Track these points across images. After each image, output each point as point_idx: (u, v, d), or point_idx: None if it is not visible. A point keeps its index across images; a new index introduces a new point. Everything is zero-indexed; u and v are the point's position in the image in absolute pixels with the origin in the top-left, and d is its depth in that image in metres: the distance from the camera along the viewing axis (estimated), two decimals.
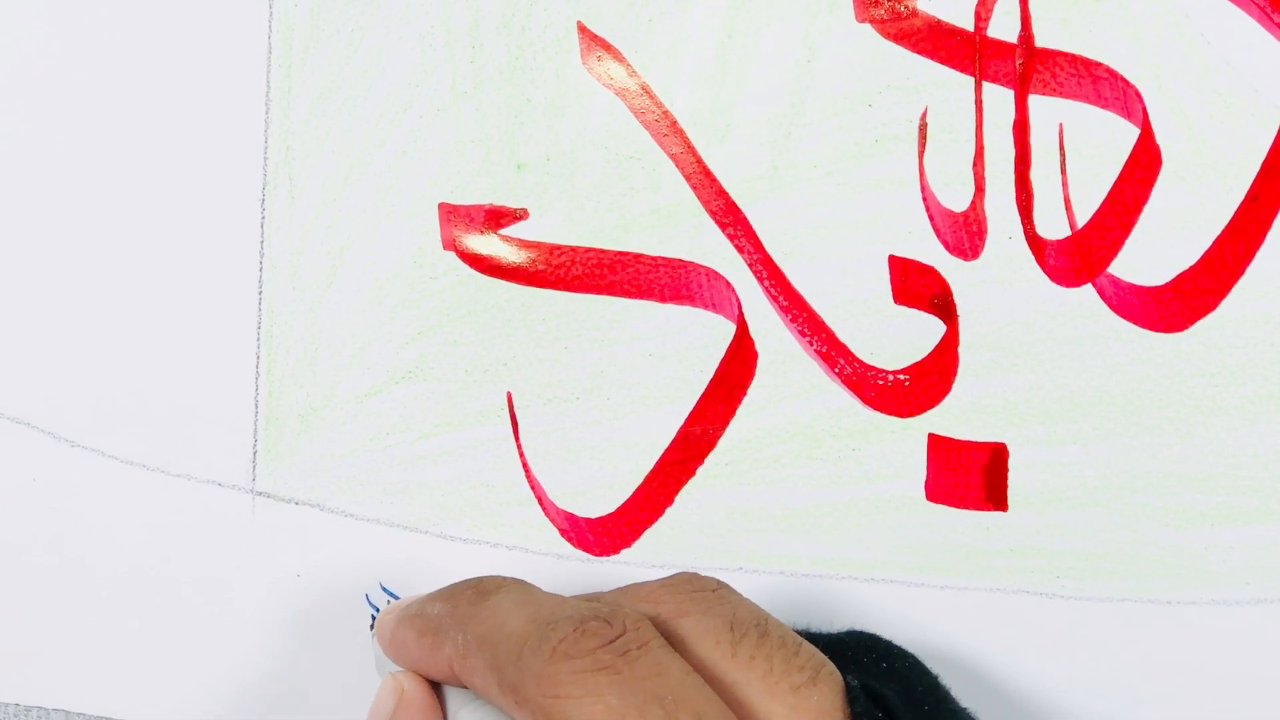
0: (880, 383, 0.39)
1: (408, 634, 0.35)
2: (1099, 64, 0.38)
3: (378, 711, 0.35)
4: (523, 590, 0.34)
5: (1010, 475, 0.39)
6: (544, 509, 0.40)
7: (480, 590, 0.34)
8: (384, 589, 0.40)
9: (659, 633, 0.32)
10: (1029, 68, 0.38)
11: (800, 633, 0.34)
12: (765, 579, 0.40)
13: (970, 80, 0.38)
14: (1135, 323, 0.38)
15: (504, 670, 0.32)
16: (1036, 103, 0.38)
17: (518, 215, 0.39)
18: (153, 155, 0.40)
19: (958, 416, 0.39)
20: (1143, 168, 0.38)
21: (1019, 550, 0.39)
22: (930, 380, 0.39)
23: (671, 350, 0.40)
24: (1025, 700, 0.39)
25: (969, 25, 0.38)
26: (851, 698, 0.32)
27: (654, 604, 0.33)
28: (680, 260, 0.39)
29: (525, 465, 0.40)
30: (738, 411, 0.39)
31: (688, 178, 0.39)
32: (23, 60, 0.40)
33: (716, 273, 0.39)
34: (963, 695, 0.37)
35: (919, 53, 0.38)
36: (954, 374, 0.39)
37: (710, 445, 0.40)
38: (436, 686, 0.35)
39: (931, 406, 0.39)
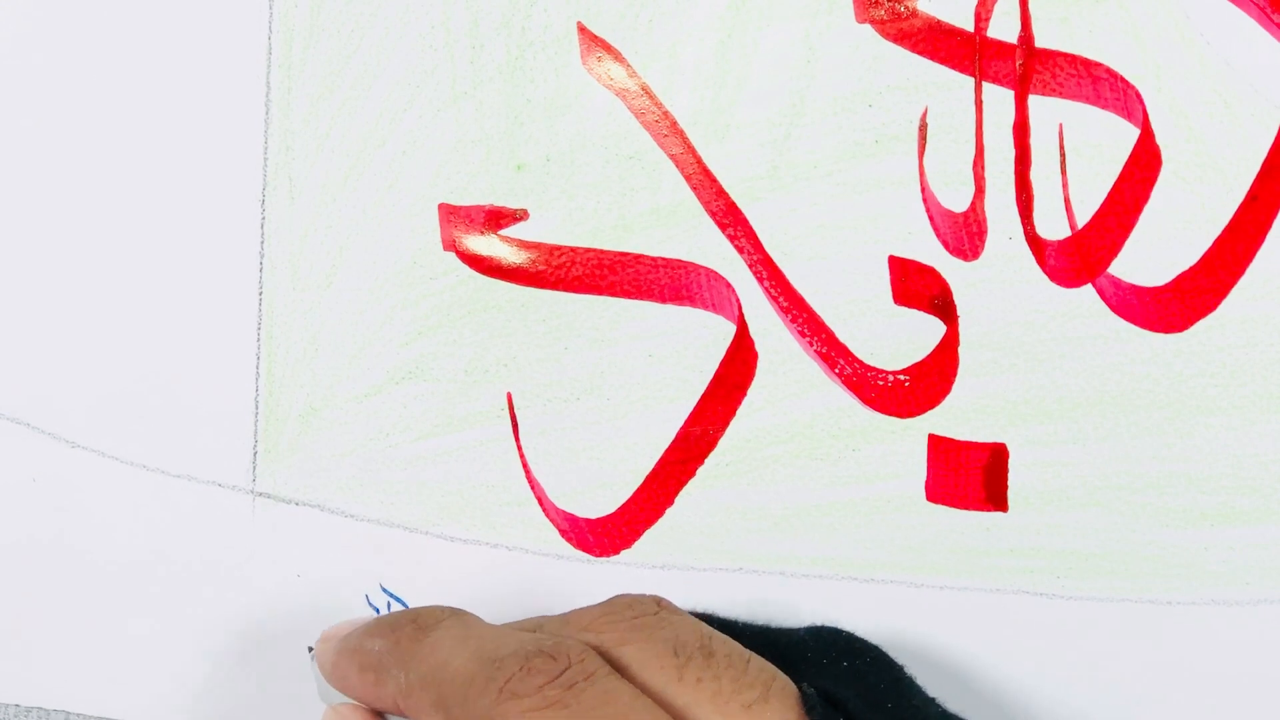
0: (880, 383, 0.39)
1: (349, 668, 0.35)
2: (1099, 64, 0.38)
3: None
4: (463, 624, 0.33)
5: (1010, 475, 0.39)
6: (544, 509, 0.40)
7: (419, 625, 0.34)
8: (384, 590, 0.40)
9: (603, 661, 0.32)
10: (1029, 68, 0.38)
11: (760, 630, 0.33)
12: (765, 579, 0.40)
13: (970, 80, 0.38)
14: (1135, 323, 0.38)
15: (450, 710, 0.31)
16: (1036, 103, 0.38)
17: (518, 216, 0.39)
18: (153, 155, 0.40)
19: (958, 417, 0.39)
20: (1143, 168, 0.38)
21: (1019, 550, 0.39)
22: (930, 380, 0.39)
23: (671, 350, 0.40)
24: (1025, 700, 0.39)
25: (969, 25, 0.38)
26: (808, 706, 0.32)
27: (596, 633, 0.33)
28: (680, 260, 0.39)
29: (525, 465, 0.40)
30: (738, 412, 0.39)
31: (688, 178, 0.39)
32: (23, 60, 0.40)
33: (716, 273, 0.39)
34: (962, 695, 0.37)
35: (919, 53, 0.38)
36: (954, 374, 0.39)
37: (710, 445, 0.40)
38: (380, 715, 0.35)
39: (931, 407, 0.39)
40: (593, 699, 0.30)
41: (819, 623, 0.39)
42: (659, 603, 0.34)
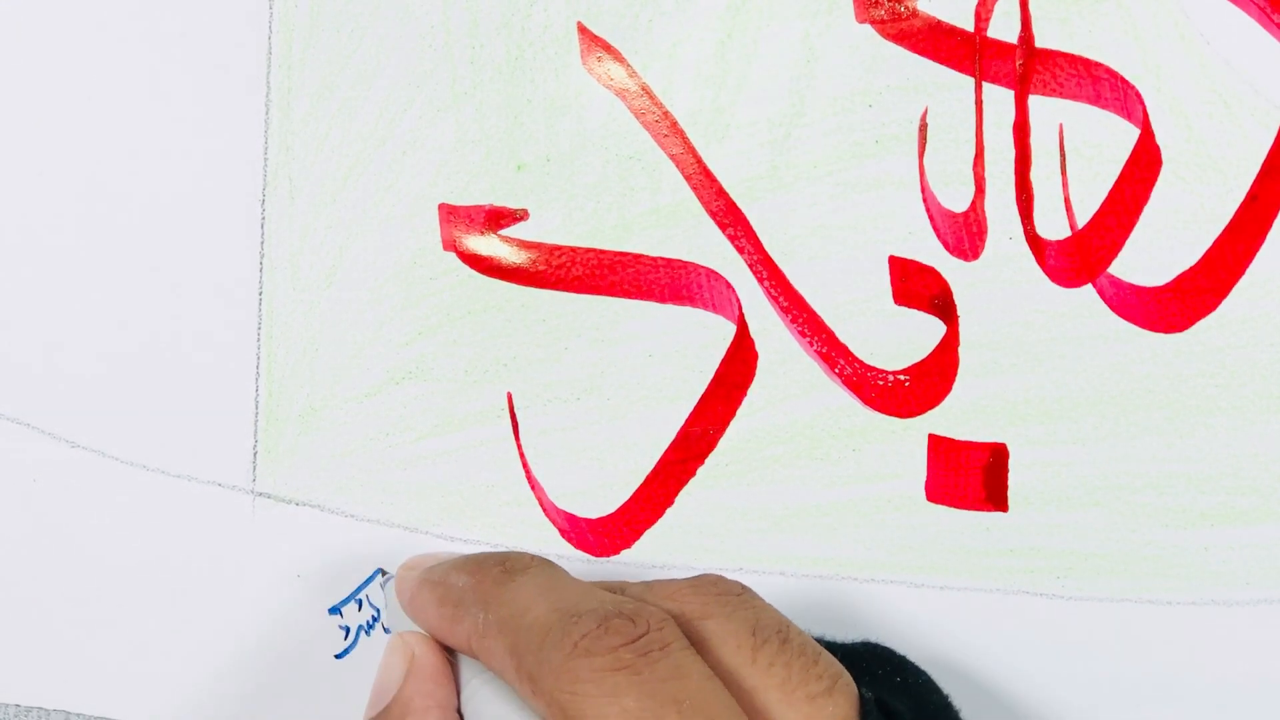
0: (880, 383, 0.39)
1: (428, 599, 0.35)
2: (1099, 64, 0.38)
3: (386, 676, 0.35)
4: (549, 574, 0.33)
5: (1010, 475, 0.39)
6: (544, 509, 0.40)
7: (506, 568, 0.34)
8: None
9: (681, 633, 0.32)
10: (1029, 68, 0.38)
11: (814, 638, 0.33)
12: (765, 579, 0.40)
13: (970, 80, 0.38)
14: (1135, 323, 0.38)
15: (523, 657, 0.31)
16: (1036, 103, 0.38)
17: (518, 216, 0.39)
18: (153, 155, 0.40)
19: (958, 416, 0.39)
20: (1143, 168, 0.38)
21: (1019, 550, 0.39)
22: (930, 380, 0.39)
23: (671, 350, 0.40)
24: (1025, 700, 0.39)
25: (969, 26, 0.38)
26: (865, 710, 0.32)
27: (679, 603, 0.33)
28: (680, 260, 0.39)
29: (525, 465, 0.40)
30: (738, 411, 0.39)
31: (688, 178, 0.39)
32: (23, 60, 0.40)
33: (716, 273, 0.39)
34: (962, 695, 0.37)
35: (919, 53, 0.38)
36: (954, 374, 0.39)
37: (710, 445, 0.40)
38: (450, 650, 0.35)
39: (931, 407, 0.39)
40: (664, 670, 0.30)
41: (819, 624, 0.39)
42: (744, 587, 0.34)
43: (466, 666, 0.34)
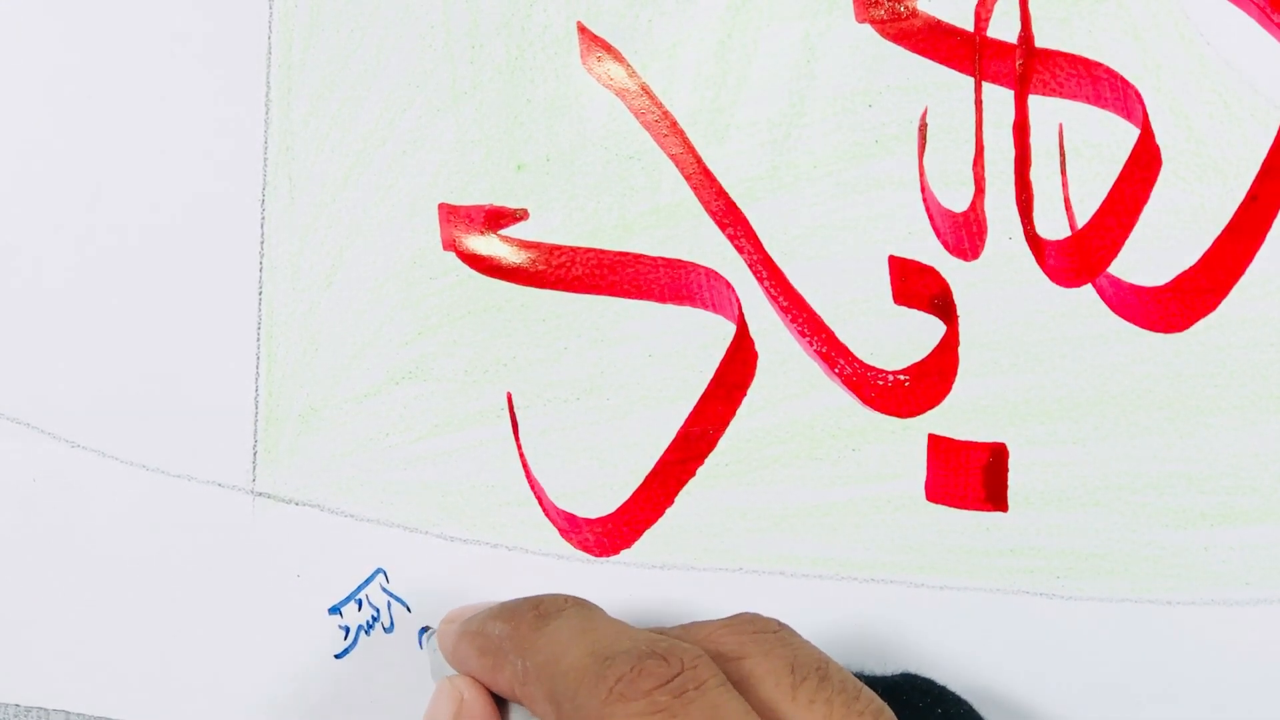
0: (880, 383, 0.39)
1: (469, 651, 0.35)
2: (1099, 64, 0.38)
3: (436, 716, 0.35)
4: (583, 616, 0.33)
5: (1010, 475, 0.39)
6: (544, 509, 0.40)
7: (541, 613, 0.34)
8: (384, 590, 0.40)
9: (718, 669, 0.31)
10: (1029, 68, 0.38)
11: (853, 673, 0.33)
12: (765, 579, 0.40)
13: (970, 80, 0.38)
14: (1135, 323, 0.38)
15: (561, 704, 0.31)
16: (1036, 103, 0.38)
17: (518, 216, 0.39)
18: (153, 155, 0.40)
19: (958, 416, 0.39)
20: (1143, 168, 0.38)
21: (1019, 550, 0.39)
22: (930, 380, 0.39)
23: (671, 350, 0.40)
24: (1025, 700, 0.39)
25: (969, 25, 0.38)
26: None
27: (715, 643, 0.33)
28: (680, 260, 0.39)
29: (525, 465, 0.40)
30: (738, 411, 0.39)
31: (688, 178, 0.39)
32: (23, 60, 0.40)
33: (716, 273, 0.39)
34: (963, 695, 0.37)
35: (919, 53, 0.38)
36: (954, 374, 0.39)
37: (710, 445, 0.40)
38: (497, 697, 0.35)
39: (931, 406, 0.39)
40: (701, 710, 0.30)
41: (819, 622, 0.39)
42: (780, 623, 0.34)
43: (516, 712, 0.34)
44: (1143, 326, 0.38)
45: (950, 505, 0.39)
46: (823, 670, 0.32)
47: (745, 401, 0.39)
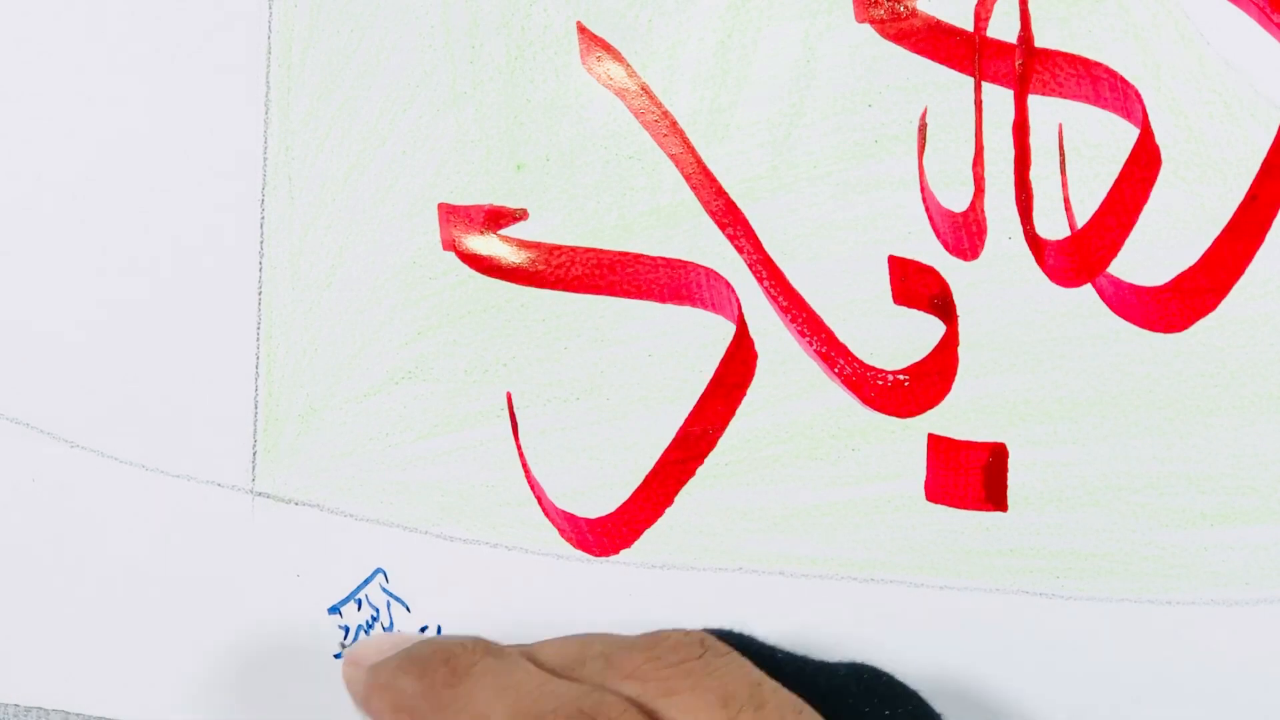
0: (880, 383, 0.39)
1: (381, 707, 0.33)
2: (1099, 64, 0.38)
3: None
4: (499, 671, 0.32)
5: (1010, 475, 0.39)
6: (544, 509, 0.40)
7: (453, 669, 0.32)
8: (384, 590, 0.40)
9: (646, 717, 0.30)
10: (1029, 68, 0.38)
11: (799, 663, 0.33)
12: (765, 579, 0.40)
13: (970, 80, 0.38)
14: (1135, 323, 0.38)
15: None
16: (1036, 103, 0.38)
17: (517, 216, 0.39)
18: (153, 155, 0.40)
19: (958, 416, 0.39)
20: (1143, 168, 0.38)
21: (1019, 550, 0.39)
22: (930, 380, 0.39)
23: (671, 350, 0.40)
24: (1025, 700, 0.39)
25: (969, 25, 0.38)
26: None
27: (640, 681, 0.32)
28: (680, 260, 0.39)
29: (525, 465, 0.40)
30: (738, 411, 0.39)
31: (688, 178, 0.39)
32: (23, 60, 0.40)
33: (716, 273, 0.39)
34: (962, 695, 0.37)
35: (919, 53, 0.38)
36: (954, 374, 0.39)
37: (710, 445, 0.40)
38: None
39: (931, 406, 0.39)
40: None
41: (818, 623, 0.39)
42: (704, 643, 0.33)
43: None
44: (1143, 326, 0.38)
45: (950, 505, 0.39)
46: (756, 697, 0.31)
47: (745, 401, 0.39)
